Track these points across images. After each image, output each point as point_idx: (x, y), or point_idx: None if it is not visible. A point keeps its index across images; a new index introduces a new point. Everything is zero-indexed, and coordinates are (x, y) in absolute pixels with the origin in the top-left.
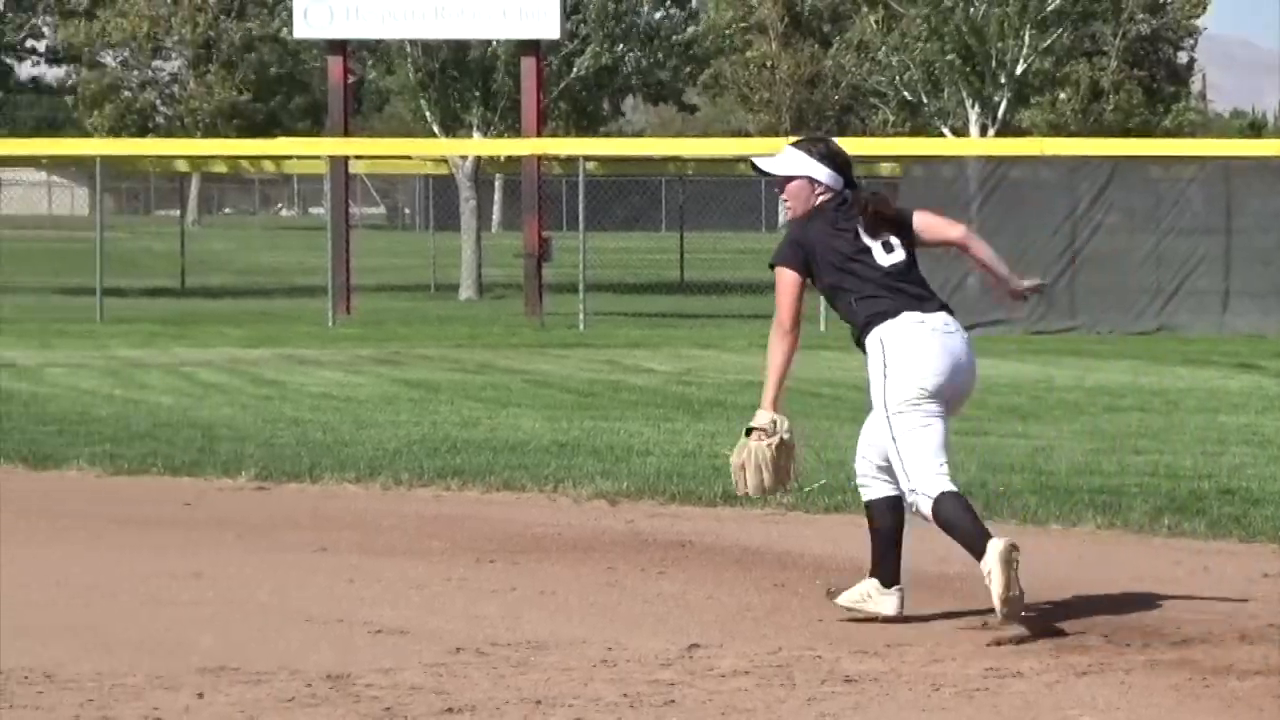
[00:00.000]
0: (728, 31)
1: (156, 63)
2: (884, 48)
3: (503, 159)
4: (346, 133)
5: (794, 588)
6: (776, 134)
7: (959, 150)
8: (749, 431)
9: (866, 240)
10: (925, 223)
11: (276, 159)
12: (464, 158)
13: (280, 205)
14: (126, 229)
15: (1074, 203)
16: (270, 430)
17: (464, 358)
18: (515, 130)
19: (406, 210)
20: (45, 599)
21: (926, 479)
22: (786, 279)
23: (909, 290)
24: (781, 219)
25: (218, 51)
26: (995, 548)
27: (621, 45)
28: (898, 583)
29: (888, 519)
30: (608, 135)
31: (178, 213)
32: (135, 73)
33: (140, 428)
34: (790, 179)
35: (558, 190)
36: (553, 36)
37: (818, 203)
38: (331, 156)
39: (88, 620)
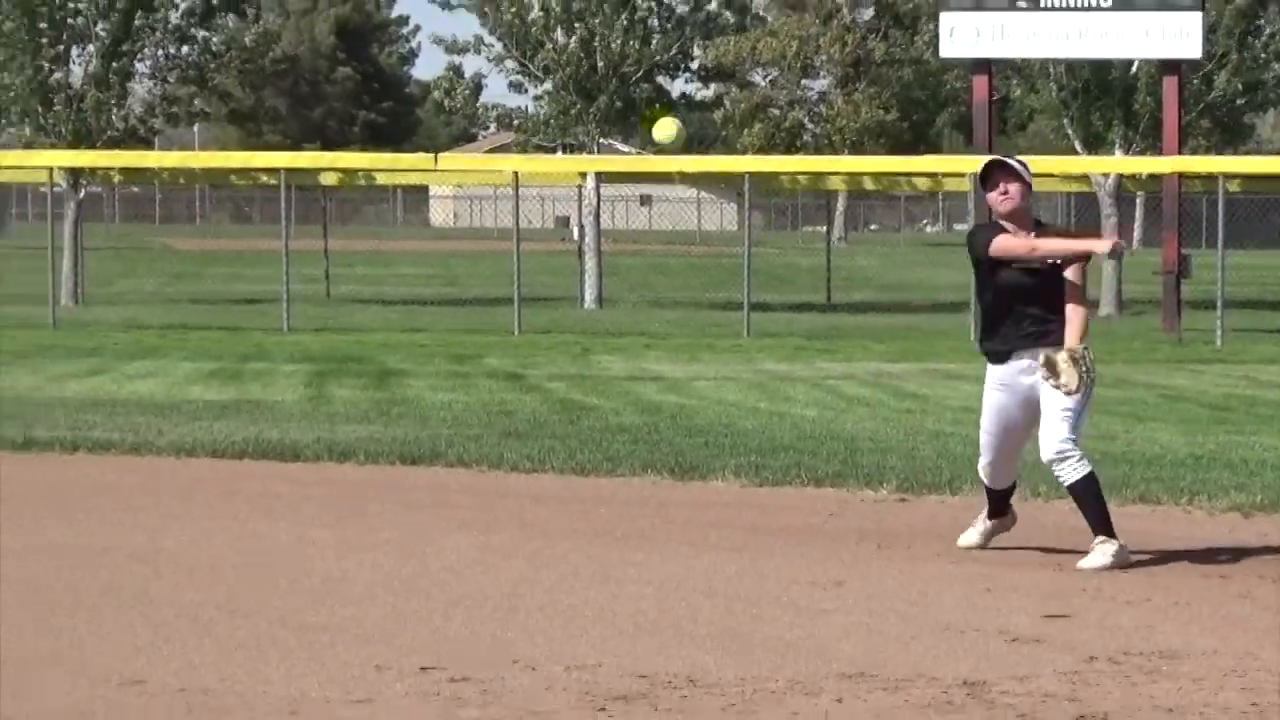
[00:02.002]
0: None
1: (805, 81)
2: None
3: (1143, 176)
4: (990, 150)
5: None
6: None
7: None
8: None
9: None
10: None
11: (922, 176)
12: (1105, 175)
13: (925, 221)
14: (773, 244)
15: None
16: (912, 443)
17: (1102, 372)
18: (1156, 148)
19: None
20: (692, 606)
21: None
22: None
23: None
24: None
25: (865, 71)
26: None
27: (1261, 61)
28: None
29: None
30: (1248, 154)
31: (824, 229)
32: (784, 92)
33: (785, 439)
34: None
35: (1198, 208)
36: (1194, 56)
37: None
38: (975, 174)
39: (732, 626)
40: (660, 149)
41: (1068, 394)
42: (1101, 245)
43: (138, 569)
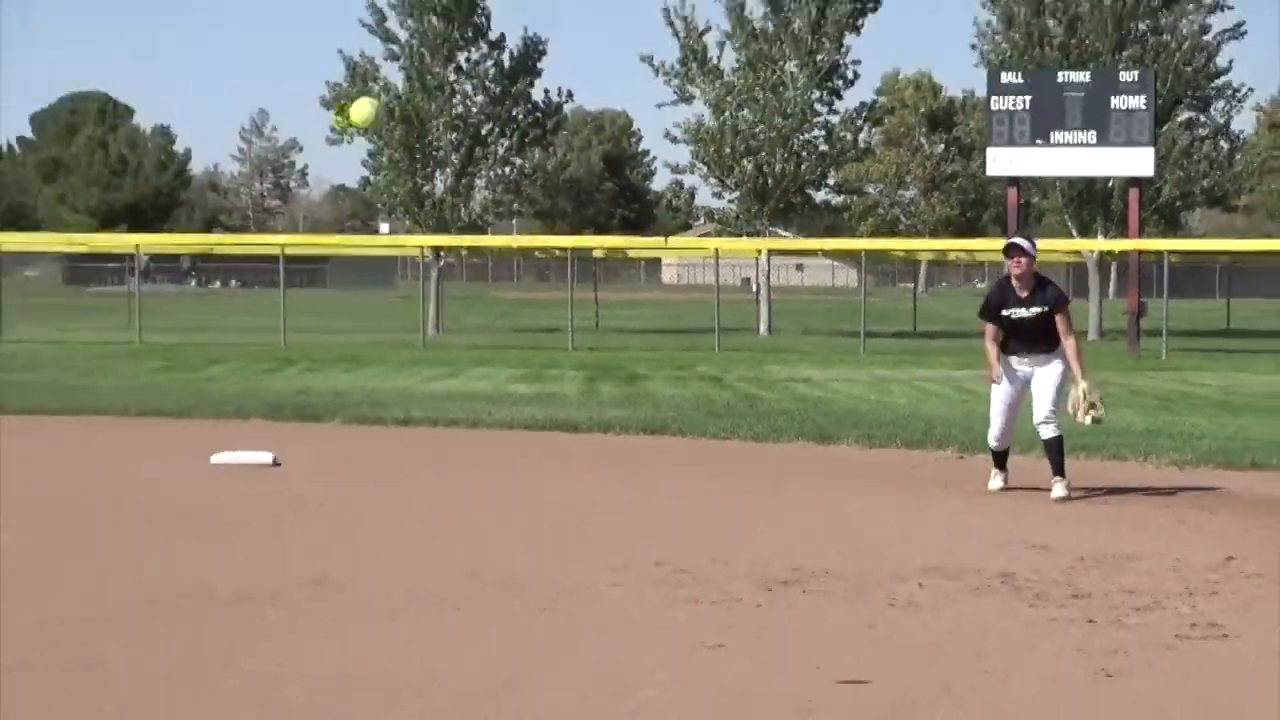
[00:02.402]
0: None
1: (900, 191)
2: None
3: (1116, 252)
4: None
5: None
6: None
7: None
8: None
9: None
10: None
11: (974, 252)
12: (1092, 251)
13: (977, 280)
14: (880, 294)
15: None
16: (967, 420)
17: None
18: (1124, 234)
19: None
20: (826, 523)
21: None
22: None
23: None
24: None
25: (939, 184)
26: (1065, 480)
27: (1191, 178)
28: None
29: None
30: (1184, 237)
31: (912, 285)
32: (887, 198)
33: (886, 418)
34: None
35: (1150, 271)
36: (1149, 174)
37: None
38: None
39: (851, 536)
40: (364, 128)
41: (1091, 423)
42: (989, 378)
43: (472, 499)
